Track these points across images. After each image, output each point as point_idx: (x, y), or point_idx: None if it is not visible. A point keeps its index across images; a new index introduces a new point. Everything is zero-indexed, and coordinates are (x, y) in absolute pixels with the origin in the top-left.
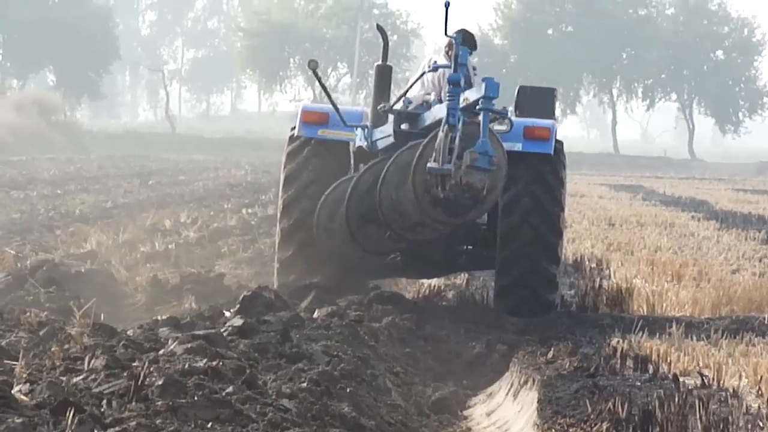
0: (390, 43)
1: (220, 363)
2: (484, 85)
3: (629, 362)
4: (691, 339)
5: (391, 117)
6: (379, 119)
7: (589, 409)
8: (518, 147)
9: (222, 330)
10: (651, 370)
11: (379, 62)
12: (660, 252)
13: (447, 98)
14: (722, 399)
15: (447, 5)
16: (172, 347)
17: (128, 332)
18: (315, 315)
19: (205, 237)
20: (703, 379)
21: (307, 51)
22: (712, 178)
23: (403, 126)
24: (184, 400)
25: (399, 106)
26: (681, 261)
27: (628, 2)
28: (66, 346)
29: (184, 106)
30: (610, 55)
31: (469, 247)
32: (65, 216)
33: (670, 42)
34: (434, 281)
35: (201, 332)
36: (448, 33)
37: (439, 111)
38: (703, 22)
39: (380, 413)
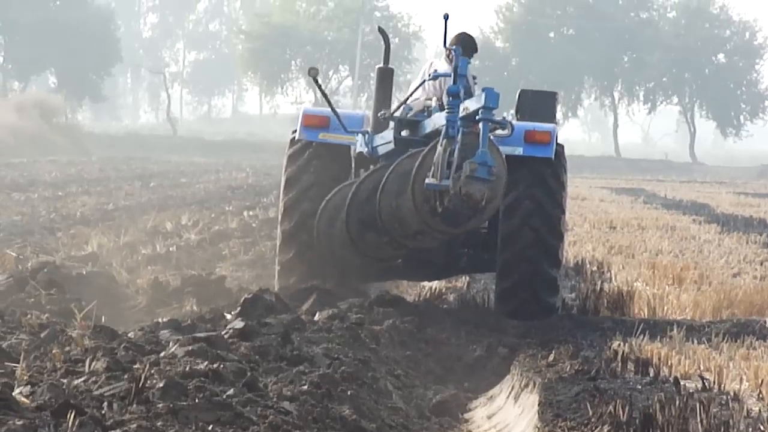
0: (391, 46)
1: (221, 365)
2: (483, 95)
3: (630, 365)
4: (692, 342)
5: (391, 123)
6: (379, 125)
7: (590, 412)
8: (519, 151)
9: (223, 332)
10: (652, 374)
11: (381, 65)
12: (661, 255)
13: (446, 110)
14: (723, 402)
15: (446, 17)
16: (172, 349)
17: (129, 334)
18: (316, 318)
19: (206, 239)
20: (704, 383)
21: (308, 53)
22: (714, 181)
23: (404, 133)
24: (184, 403)
25: (399, 112)
26: (682, 264)
27: (629, 5)
28: (67, 349)
29: (186, 109)
30: (611, 58)
31: (470, 250)
32: (66, 218)
33: (672, 45)
34: (435, 284)
35: (202, 335)
36: (447, 43)
37: (440, 119)
38: (705, 25)
39: (381, 416)
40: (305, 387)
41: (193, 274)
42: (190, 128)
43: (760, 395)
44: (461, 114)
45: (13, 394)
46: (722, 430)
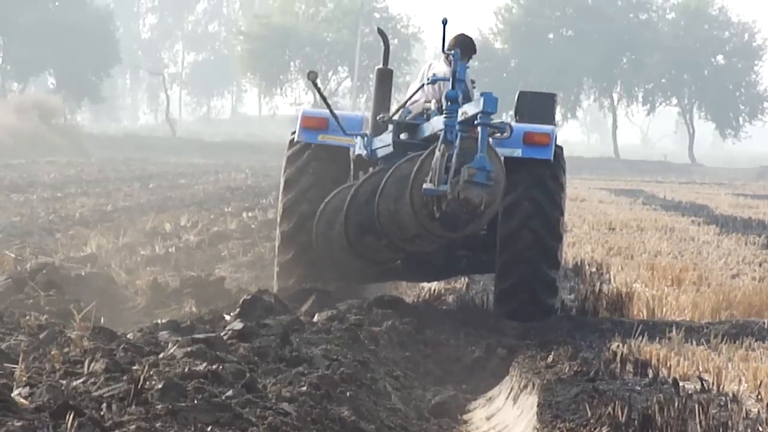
0: (391, 47)
1: (220, 367)
2: (482, 99)
3: (629, 366)
4: (691, 343)
5: (390, 126)
6: (378, 127)
7: (589, 414)
8: (518, 153)
9: (222, 333)
10: (651, 375)
11: (380, 66)
12: (660, 256)
13: (445, 114)
14: (722, 403)
15: (444, 23)
16: (172, 351)
17: (128, 336)
18: (315, 319)
19: (205, 240)
20: (702, 384)
21: (307, 55)
22: (713, 182)
23: (402, 136)
24: (183, 404)
25: (398, 115)
26: (681, 265)
27: (628, 6)
28: (66, 350)
29: (185, 110)
30: (610, 59)
31: (469, 251)
32: (65, 219)
33: (671, 46)
34: (434, 285)
35: (201, 336)
36: (446, 46)
37: (438, 123)
38: (704, 26)
39: (380, 417)
40: (304, 388)
41: (192, 276)
42: (189, 129)
43: (759, 396)
44: (460, 118)
45: (12, 395)
46: (721, 431)
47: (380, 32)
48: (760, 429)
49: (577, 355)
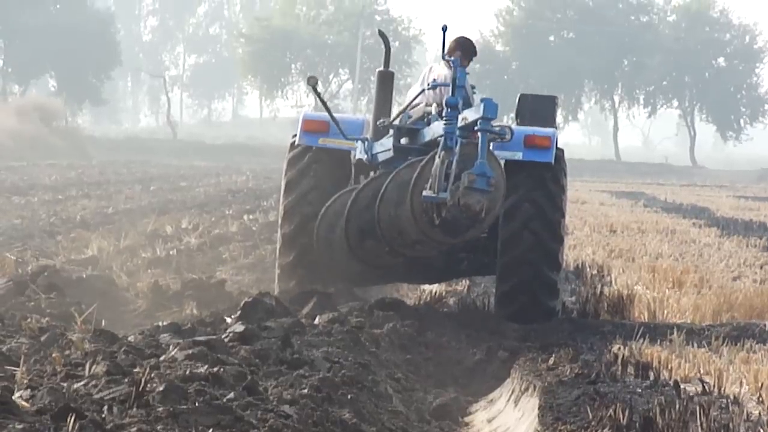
0: (392, 49)
1: (221, 369)
2: (482, 105)
3: (630, 369)
4: (692, 346)
5: (391, 130)
6: (379, 132)
7: (590, 416)
8: (519, 156)
9: (223, 336)
10: (652, 377)
11: (381, 68)
12: (661, 259)
13: (444, 121)
14: (723, 406)
15: (444, 29)
16: (173, 353)
17: (129, 338)
18: (316, 321)
19: (206, 243)
20: (704, 386)
21: (308, 57)
22: (714, 185)
23: (403, 141)
24: (185, 406)
25: (399, 119)
26: (682, 268)
27: (629, 9)
28: (67, 352)
29: (186, 112)
30: (611, 61)
31: (470, 253)
32: (66, 222)
33: (672, 49)
34: (435, 287)
35: (202, 338)
36: (446, 50)
37: (438, 128)
38: (705, 29)
39: (381, 419)
40: (305, 390)
41: (194, 278)
42: (190, 132)
43: (760, 399)
44: (460, 124)
45: (13, 397)
46: None
47: (381, 34)
48: (762, 431)
49: (578, 357)
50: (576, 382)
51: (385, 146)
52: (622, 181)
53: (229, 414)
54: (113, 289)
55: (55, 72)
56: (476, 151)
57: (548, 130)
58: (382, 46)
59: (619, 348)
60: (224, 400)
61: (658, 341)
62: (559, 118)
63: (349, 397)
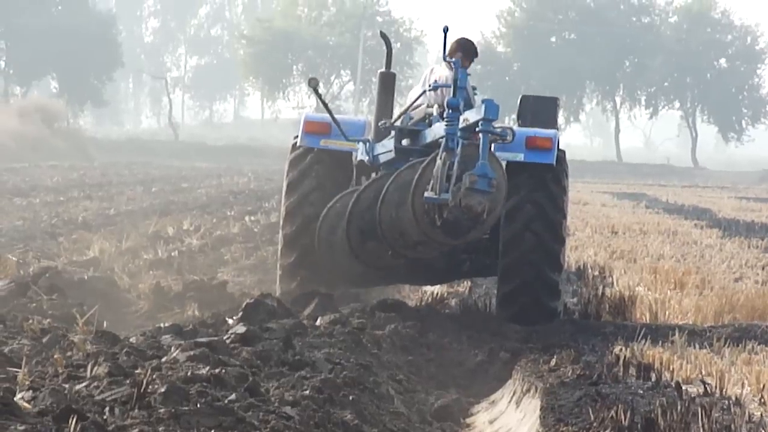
0: (393, 51)
1: (223, 370)
2: (483, 106)
3: (632, 370)
4: (694, 347)
5: (392, 131)
6: (380, 133)
7: (592, 417)
8: (520, 157)
9: (225, 337)
10: (653, 378)
11: (383, 69)
12: (663, 260)
13: (446, 122)
14: (725, 407)
15: (446, 30)
16: (174, 354)
17: (131, 339)
18: (318, 322)
19: (207, 244)
20: (705, 387)
21: (310, 58)
22: (715, 186)
23: (404, 142)
24: (186, 408)
25: (400, 120)
26: (684, 269)
27: (631, 10)
28: (69, 354)
29: (187, 114)
30: (613, 63)
31: (472, 255)
32: (68, 223)
33: (674, 50)
34: (437, 289)
35: (204, 339)
36: (447, 51)
37: (439, 129)
38: (707, 30)
39: (383, 421)
40: (307, 392)
41: (195, 279)
42: (191, 133)
43: (762, 400)
44: (461, 126)
45: (15, 399)
46: None
47: (383, 36)
48: None
49: (580, 358)
50: (578, 384)
51: (386, 147)
52: (623, 183)
53: (230, 415)
54: (115, 290)
55: (56, 73)
56: (477, 152)
57: (550, 132)
58: (384, 48)
59: (621, 349)
60: (226, 401)
61: (660, 342)
62: (560, 120)
63: (350, 398)
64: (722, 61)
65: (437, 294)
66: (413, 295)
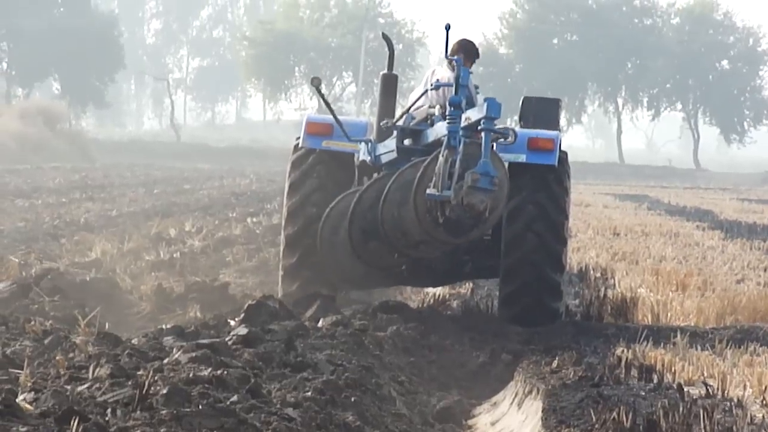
0: (395, 52)
1: (225, 372)
2: (485, 105)
3: (634, 372)
4: (696, 349)
5: (394, 131)
6: (382, 133)
7: (594, 419)
8: (522, 158)
9: (227, 339)
10: (655, 380)
11: (385, 71)
12: (665, 261)
13: (448, 120)
14: (726, 409)
15: (448, 28)
16: (176, 356)
17: (133, 341)
18: (320, 324)
19: (209, 246)
20: (707, 389)
21: (312, 60)
22: (717, 187)
23: (406, 142)
24: (188, 409)
25: (402, 121)
26: (686, 270)
27: (633, 12)
28: (71, 355)
29: (189, 115)
30: (615, 64)
31: (474, 256)
32: (70, 224)
33: (676, 51)
34: (439, 290)
35: (206, 341)
36: (449, 51)
37: (441, 128)
38: (709, 31)
39: (385, 422)
40: (309, 393)
41: (197, 281)
42: (193, 135)
43: (764, 401)
44: (463, 124)
45: (17, 400)
46: None
47: (385, 37)
48: None
49: (582, 360)
50: (579, 385)
51: (388, 147)
52: (625, 184)
53: (232, 417)
54: (117, 291)
55: (58, 75)
56: (479, 151)
57: (552, 133)
58: (386, 49)
59: (623, 351)
60: (228, 402)
61: (662, 344)
62: (562, 121)
63: (352, 399)
64: (724, 62)
65: (439, 295)
66: (415, 297)
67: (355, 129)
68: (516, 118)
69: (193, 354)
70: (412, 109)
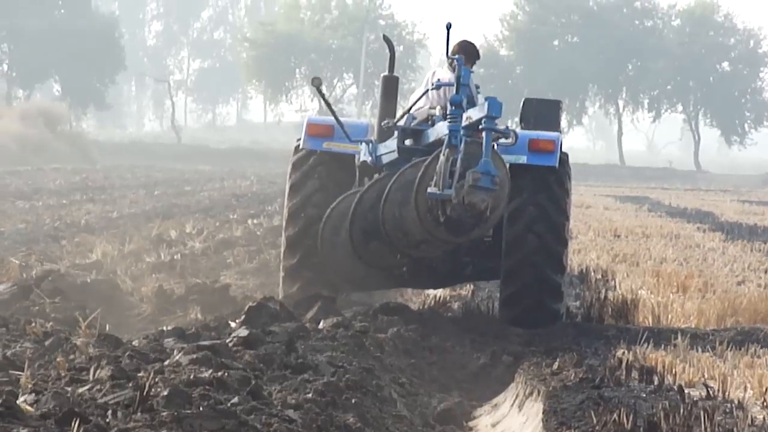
0: (396, 54)
1: (226, 374)
2: (486, 104)
3: (634, 373)
4: (697, 350)
5: (395, 132)
6: (383, 134)
7: (594, 421)
8: (523, 159)
9: (227, 341)
10: (656, 382)
11: (386, 73)
12: (665, 263)
13: (449, 119)
14: (727, 410)
15: (449, 27)
16: (177, 358)
17: (133, 343)
18: (320, 326)
19: (210, 247)
20: (708, 391)
21: (313, 61)
22: (718, 189)
23: (407, 142)
24: (189, 411)
25: (403, 121)
26: (686, 272)
27: (634, 13)
28: (71, 357)
29: (190, 117)
30: (616, 66)
31: (474, 258)
32: (71, 226)
33: (676, 53)
34: (440, 292)
35: (206, 343)
36: (449, 52)
37: (442, 128)
38: (709, 33)
39: (385, 424)
40: (309, 395)
41: (198, 282)
42: (194, 136)
43: (765, 403)
44: (464, 123)
45: (18, 402)
46: None
47: (385, 39)
48: None
49: (583, 362)
50: (580, 387)
51: (389, 148)
52: (626, 186)
53: (233, 418)
54: (117, 293)
55: (59, 76)
56: (481, 150)
57: (552, 134)
58: (387, 51)
59: (624, 352)
60: (228, 404)
61: (663, 346)
62: (563, 123)
63: (353, 401)
64: (725, 64)
65: (440, 297)
66: (416, 299)
67: (356, 130)
68: (517, 119)
69: (194, 356)
70: (412, 109)
